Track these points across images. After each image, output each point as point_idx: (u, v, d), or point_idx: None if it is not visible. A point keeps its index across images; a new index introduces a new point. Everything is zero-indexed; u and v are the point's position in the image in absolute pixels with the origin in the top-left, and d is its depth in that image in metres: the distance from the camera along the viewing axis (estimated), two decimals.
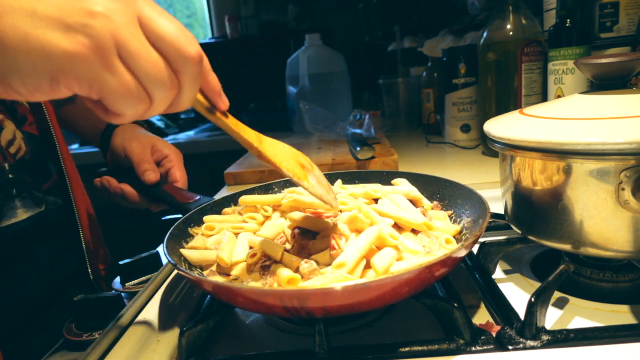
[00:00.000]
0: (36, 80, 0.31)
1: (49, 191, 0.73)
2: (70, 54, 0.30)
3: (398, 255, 0.45)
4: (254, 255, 0.48)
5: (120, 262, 0.66)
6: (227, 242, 0.51)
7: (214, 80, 0.39)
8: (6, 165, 0.64)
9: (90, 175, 0.79)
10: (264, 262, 0.48)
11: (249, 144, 0.42)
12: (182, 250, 0.52)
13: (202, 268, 0.51)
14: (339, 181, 0.68)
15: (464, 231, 0.53)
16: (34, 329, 0.68)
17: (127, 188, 0.72)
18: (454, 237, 0.51)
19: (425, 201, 0.59)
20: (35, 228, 0.68)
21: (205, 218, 0.58)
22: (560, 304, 0.47)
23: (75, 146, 2.14)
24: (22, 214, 0.65)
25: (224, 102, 0.41)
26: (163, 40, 0.33)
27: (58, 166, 0.75)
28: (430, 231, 0.50)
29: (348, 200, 0.54)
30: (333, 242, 0.45)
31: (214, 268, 0.50)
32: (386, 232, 0.45)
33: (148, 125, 2.06)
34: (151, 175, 0.72)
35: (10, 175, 0.64)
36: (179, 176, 0.75)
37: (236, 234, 0.53)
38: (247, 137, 0.42)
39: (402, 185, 0.62)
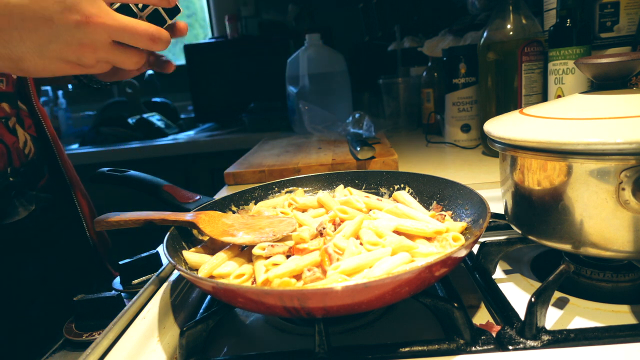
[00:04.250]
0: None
1: (42, 189, 0.76)
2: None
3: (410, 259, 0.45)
4: (240, 276, 0.48)
5: (120, 262, 0.66)
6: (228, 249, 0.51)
7: None
8: (8, 169, 0.68)
9: (88, 174, 0.81)
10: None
11: (187, 222, 0.56)
12: (184, 252, 0.52)
13: None
14: (340, 186, 0.68)
15: (465, 230, 0.53)
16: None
17: None
18: (461, 233, 0.51)
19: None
20: (36, 224, 0.72)
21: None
22: (561, 304, 0.47)
23: (75, 146, 2.15)
24: (22, 212, 0.70)
25: None
26: None
27: (54, 164, 0.79)
28: (440, 236, 0.50)
29: (350, 210, 0.54)
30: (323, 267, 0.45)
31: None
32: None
33: (148, 125, 2.04)
34: None
35: (10, 179, 0.68)
36: None
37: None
38: (182, 218, 0.56)
39: (399, 203, 0.60)
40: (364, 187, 0.69)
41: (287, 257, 0.48)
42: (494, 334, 0.41)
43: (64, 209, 0.80)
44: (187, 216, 0.56)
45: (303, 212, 0.60)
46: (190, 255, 0.51)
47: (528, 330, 0.40)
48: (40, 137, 0.78)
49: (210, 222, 0.55)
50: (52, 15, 0.42)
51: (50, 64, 0.45)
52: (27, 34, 0.43)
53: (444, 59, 1.20)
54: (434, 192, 0.62)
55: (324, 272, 0.44)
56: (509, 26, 0.97)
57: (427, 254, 0.46)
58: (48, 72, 0.47)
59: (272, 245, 0.49)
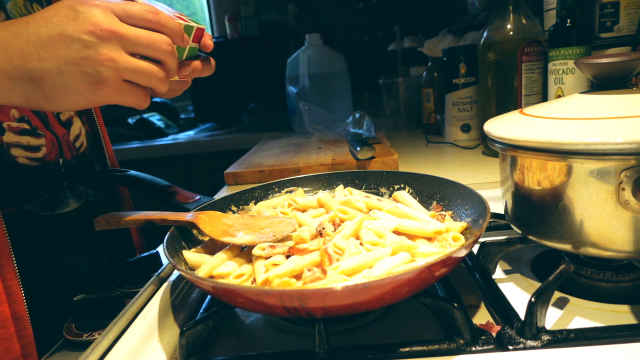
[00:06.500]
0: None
1: (91, 185, 0.79)
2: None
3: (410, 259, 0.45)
4: (240, 276, 0.48)
5: (121, 262, 0.66)
6: (228, 250, 0.51)
7: None
8: (60, 160, 0.70)
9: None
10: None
11: (187, 222, 0.56)
12: (184, 252, 0.52)
13: None
14: (340, 186, 0.68)
15: (465, 230, 0.53)
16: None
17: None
18: (461, 233, 0.51)
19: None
20: (83, 217, 0.73)
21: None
22: (561, 304, 0.47)
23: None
24: (73, 204, 0.71)
25: None
26: None
27: (104, 162, 0.84)
28: (440, 236, 0.50)
29: (350, 210, 0.54)
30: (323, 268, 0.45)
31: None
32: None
33: (148, 125, 2.04)
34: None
35: (63, 170, 0.70)
36: None
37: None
38: (182, 218, 0.56)
39: (399, 203, 0.60)
40: (364, 187, 0.69)
41: (287, 257, 0.48)
42: (494, 334, 0.41)
43: (109, 207, 0.83)
44: (187, 216, 0.56)
45: (303, 212, 0.60)
46: (190, 255, 0.51)
47: (528, 330, 0.40)
48: (93, 134, 0.81)
49: (210, 222, 0.55)
50: (65, 28, 0.44)
51: (71, 81, 0.45)
52: (44, 52, 0.44)
53: (444, 59, 1.20)
54: (434, 192, 0.62)
55: (324, 272, 0.44)
56: (509, 26, 0.97)
57: (427, 254, 0.46)
58: (69, 92, 0.46)
59: (272, 246, 0.49)
